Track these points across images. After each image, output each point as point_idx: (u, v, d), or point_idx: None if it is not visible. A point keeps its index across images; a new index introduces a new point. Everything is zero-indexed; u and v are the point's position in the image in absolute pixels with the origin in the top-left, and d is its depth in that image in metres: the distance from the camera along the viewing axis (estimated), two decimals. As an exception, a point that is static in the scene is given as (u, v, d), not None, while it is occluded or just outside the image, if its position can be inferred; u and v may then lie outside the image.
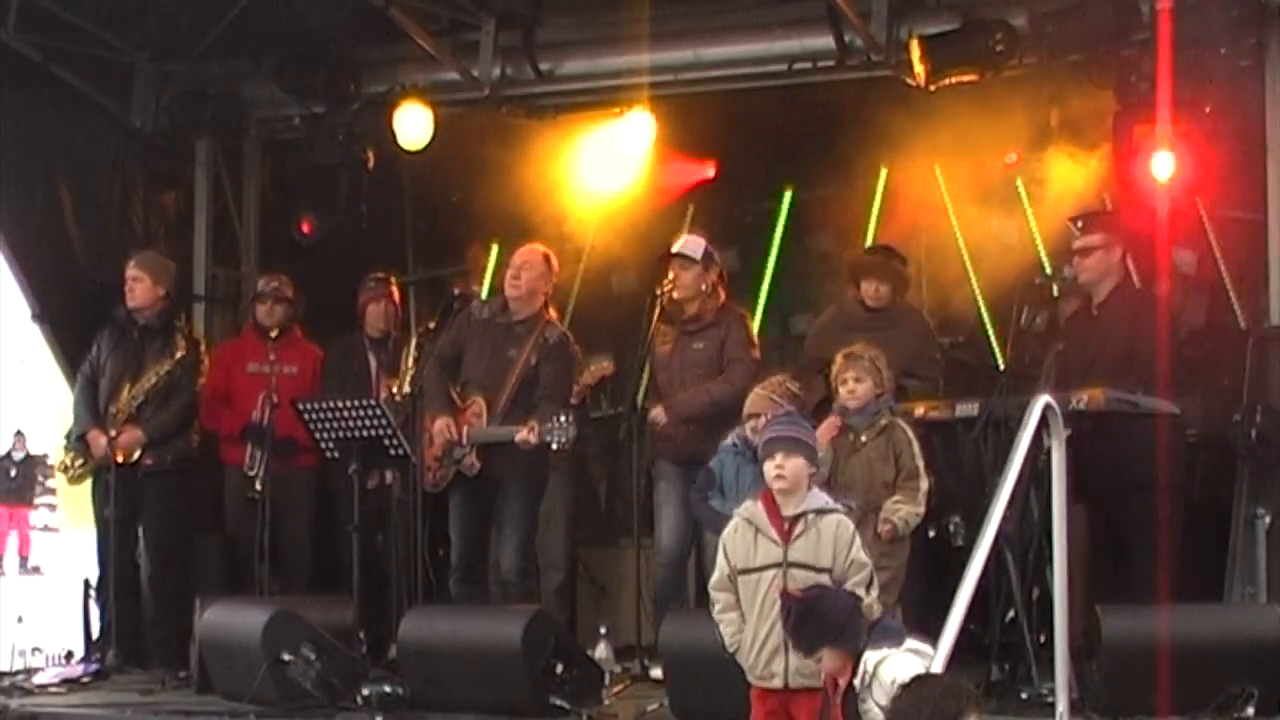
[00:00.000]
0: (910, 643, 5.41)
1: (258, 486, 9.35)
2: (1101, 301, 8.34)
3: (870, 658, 5.51)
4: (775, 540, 5.94)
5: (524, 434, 8.33)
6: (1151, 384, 7.93)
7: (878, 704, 5.39)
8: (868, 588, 5.90)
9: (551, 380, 8.62)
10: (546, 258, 8.77)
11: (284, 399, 9.24)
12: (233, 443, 9.72)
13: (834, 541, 5.91)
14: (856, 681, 5.56)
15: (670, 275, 8.64)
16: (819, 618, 5.65)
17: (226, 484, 9.85)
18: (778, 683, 5.90)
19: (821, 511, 5.97)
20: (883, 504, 7.48)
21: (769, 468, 5.98)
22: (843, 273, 9.41)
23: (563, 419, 8.25)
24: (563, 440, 8.29)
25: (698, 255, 8.63)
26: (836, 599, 5.74)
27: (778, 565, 5.91)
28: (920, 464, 7.55)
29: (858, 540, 5.98)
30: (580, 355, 9.16)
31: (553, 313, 8.96)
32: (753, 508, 6.05)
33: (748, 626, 5.97)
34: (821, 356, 8.28)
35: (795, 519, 5.95)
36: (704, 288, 8.65)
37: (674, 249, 8.75)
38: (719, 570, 6.08)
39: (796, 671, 5.87)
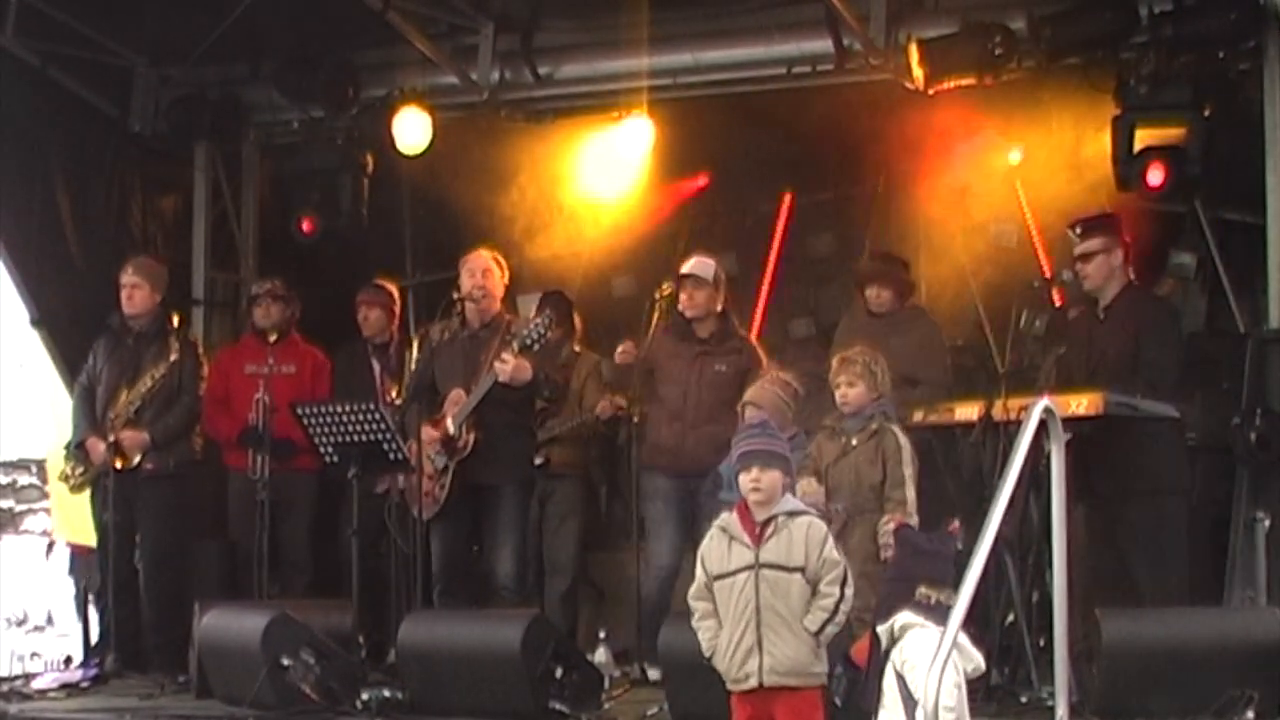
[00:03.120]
0: (960, 635, 5.34)
1: (267, 494, 9.35)
2: (1108, 304, 8.35)
3: (899, 619, 5.55)
4: (747, 544, 5.99)
5: (500, 364, 8.38)
6: (1158, 386, 7.93)
7: (895, 667, 5.45)
8: (841, 584, 5.93)
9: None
10: (496, 260, 8.93)
11: (282, 399, 9.25)
12: (233, 447, 9.72)
13: (805, 542, 5.96)
14: (882, 632, 5.60)
15: (683, 294, 8.77)
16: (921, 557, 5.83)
17: (229, 488, 9.86)
18: (753, 683, 5.94)
19: (792, 514, 6.03)
20: (869, 507, 7.49)
21: (745, 480, 6.03)
22: (850, 280, 9.44)
23: (532, 324, 8.40)
24: (539, 334, 8.39)
25: (709, 276, 8.79)
26: (941, 545, 5.97)
27: (750, 568, 5.96)
28: (907, 472, 7.53)
29: (830, 540, 6.03)
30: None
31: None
32: (729, 518, 6.11)
33: (723, 630, 6.02)
34: None
35: (766, 522, 6.00)
36: (717, 308, 8.82)
37: (684, 270, 8.85)
38: (697, 580, 6.14)
39: (771, 670, 5.92)
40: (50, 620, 14.72)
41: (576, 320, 9.88)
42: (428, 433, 8.62)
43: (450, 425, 8.62)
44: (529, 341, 8.39)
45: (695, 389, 8.74)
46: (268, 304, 9.87)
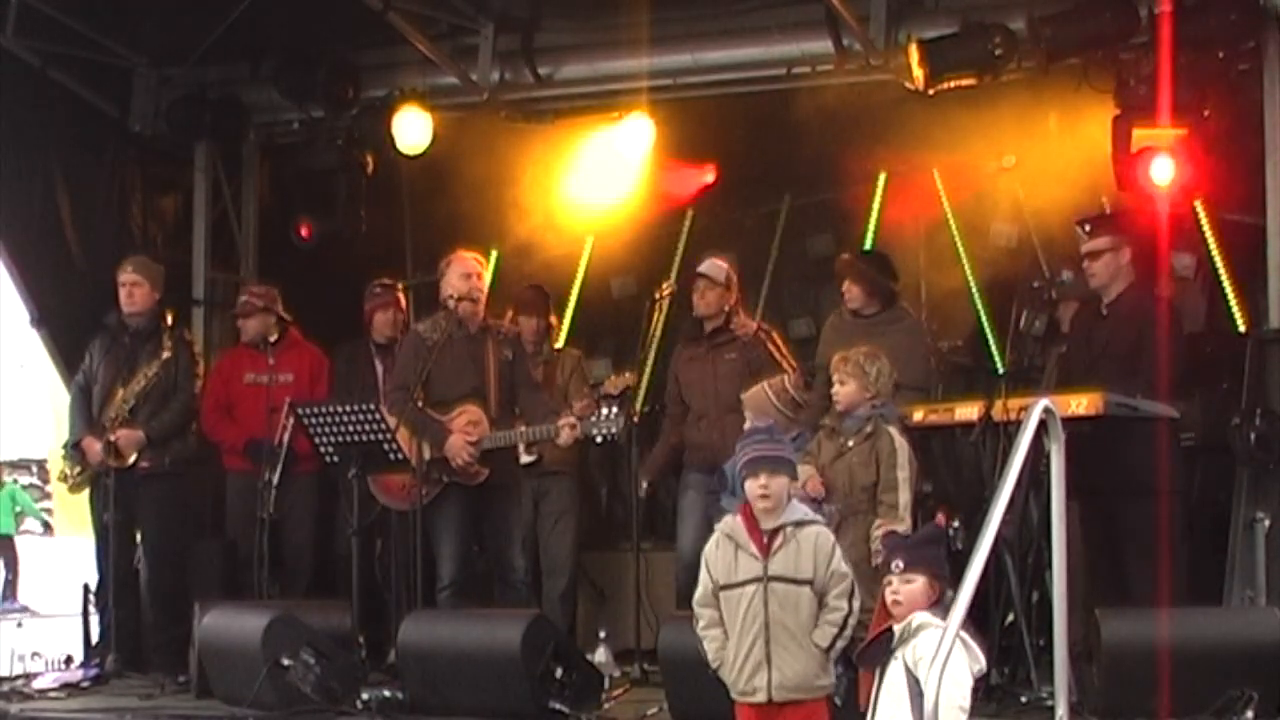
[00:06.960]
0: (963, 633, 5.31)
1: (270, 509, 9.34)
2: (1111, 302, 8.34)
3: (917, 618, 5.51)
4: (755, 555, 5.90)
5: (566, 433, 8.40)
6: (1157, 386, 7.93)
7: (906, 663, 5.43)
8: (850, 597, 5.89)
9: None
10: (478, 260, 8.98)
11: (281, 408, 9.26)
12: (237, 454, 9.72)
13: (814, 553, 5.89)
14: (896, 628, 5.57)
15: (695, 293, 9.13)
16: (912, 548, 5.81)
17: (229, 489, 9.85)
18: (760, 697, 5.88)
19: (800, 523, 5.95)
20: (862, 509, 7.48)
21: (753, 486, 5.94)
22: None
23: (605, 411, 8.44)
24: (611, 431, 8.38)
25: (720, 277, 9.12)
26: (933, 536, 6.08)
27: (758, 580, 5.88)
28: (900, 475, 7.48)
29: (838, 551, 5.97)
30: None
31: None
32: (733, 523, 6.02)
33: (730, 642, 5.94)
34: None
35: (774, 532, 5.91)
36: (726, 308, 9.12)
37: (700, 269, 9.19)
38: (702, 586, 6.04)
39: (780, 686, 5.85)
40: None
41: (553, 318, 10.08)
42: (459, 442, 8.53)
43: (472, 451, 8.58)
44: (594, 433, 8.40)
45: (712, 383, 9.06)
46: (244, 320, 9.84)
